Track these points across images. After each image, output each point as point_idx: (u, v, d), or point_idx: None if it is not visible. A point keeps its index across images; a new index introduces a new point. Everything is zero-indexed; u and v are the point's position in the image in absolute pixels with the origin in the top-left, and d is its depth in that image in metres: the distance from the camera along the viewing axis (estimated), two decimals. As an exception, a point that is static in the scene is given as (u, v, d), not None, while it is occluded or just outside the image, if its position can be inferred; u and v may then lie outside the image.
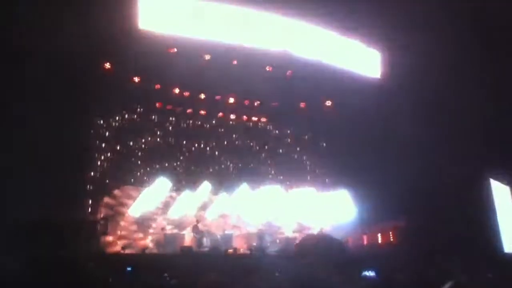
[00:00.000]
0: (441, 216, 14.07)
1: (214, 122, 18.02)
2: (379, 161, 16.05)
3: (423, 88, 15.48)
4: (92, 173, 14.62)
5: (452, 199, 14.32)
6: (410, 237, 14.48)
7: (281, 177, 18.33)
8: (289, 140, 19.34)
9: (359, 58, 16.72)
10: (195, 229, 15.31)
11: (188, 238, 15.47)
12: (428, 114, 15.53)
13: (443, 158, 14.91)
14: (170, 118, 17.22)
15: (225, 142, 18.13)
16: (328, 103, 17.84)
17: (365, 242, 16.38)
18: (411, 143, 15.74)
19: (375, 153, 16.16)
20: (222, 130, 18.20)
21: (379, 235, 15.93)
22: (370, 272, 12.38)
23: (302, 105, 17.88)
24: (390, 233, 15.56)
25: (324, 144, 19.31)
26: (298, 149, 19.36)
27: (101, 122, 15.38)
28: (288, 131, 19.36)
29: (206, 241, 15.19)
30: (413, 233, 14.41)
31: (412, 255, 12.45)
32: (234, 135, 18.35)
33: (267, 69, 15.68)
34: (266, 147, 18.86)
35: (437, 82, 15.32)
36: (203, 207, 16.26)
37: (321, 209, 16.54)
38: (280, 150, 19.09)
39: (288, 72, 15.94)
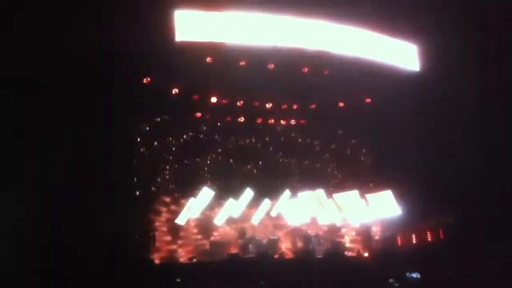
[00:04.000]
0: (492, 212, 13.55)
1: (252, 128, 18.04)
2: (424, 157, 15.67)
3: (465, 80, 14.96)
4: (137, 185, 14.90)
5: (504, 194, 13.73)
6: (459, 234, 14.07)
7: (324, 181, 18.17)
8: (329, 142, 19.11)
9: (396, 53, 16.34)
10: (241, 235, 15.39)
11: (234, 245, 15.58)
12: (473, 107, 15.00)
13: (490, 152, 14.36)
14: (210, 127, 17.36)
15: (265, 148, 18.13)
16: (368, 100, 17.53)
17: (414, 240, 16.01)
18: (456, 137, 15.28)
19: (420, 148, 15.77)
20: (262, 136, 18.19)
21: (428, 233, 15.56)
22: (414, 273, 12.18)
23: (341, 104, 17.63)
24: (440, 230, 15.18)
25: (366, 144, 18.99)
26: (339, 150, 19.12)
27: (142, 134, 15.67)
28: (328, 133, 19.14)
29: (252, 247, 15.26)
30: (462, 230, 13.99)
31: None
32: (273, 141, 18.33)
33: (304, 71, 15.55)
34: (306, 151, 18.72)
35: (478, 73, 14.77)
36: (248, 214, 16.34)
37: (365, 210, 16.29)
38: (322, 154, 18.90)
39: (325, 72, 15.73)
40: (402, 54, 16.49)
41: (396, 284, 11.93)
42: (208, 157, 17.02)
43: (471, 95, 15.05)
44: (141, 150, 15.46)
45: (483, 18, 14.64)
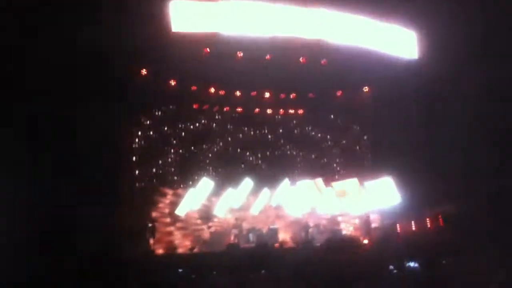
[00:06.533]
0: (491, 202, 13.51)
1: (251, 118, 18.04)
2: (423, 145, 15.64)
3: (464, 68, 14.87)
4: (136, 177, 14.93)
5: (501, 183, 13.70)
6: (458, 222, 14.06)
7: (323, 169, 18.20)
8: (328, 130, 19.11)
9: (395, 40, 16.23)
10: (236, 225, 15.50)
11: (234, 235, 15.64)
12: (472, 95, 14.91)
13: (490, 140, 14.32)
14: (208, 118, 17.38)
15: (263, 138, 18.14)
16: (366, 89, 17.49)
17: (414, 228, 16.03)
18: (455, 125, 15.23)
19: (418, 137, 15.73)
20: (260, 126, 18.19)
21: (428, 221, 15.59)
22: (413, 263, 12.18)
23: (339, 93, 17.60)
24: (439, 218, 15.20)
25: (365, 132, 19.00)
26: (338, 139, 19.13)
27: (140, 126, 15.66)
28: (327, 122, 19.12)
29: (252, 237, 15.32)
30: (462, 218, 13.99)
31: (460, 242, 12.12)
32: (271, 130, 18.33)
33: (301, 60, 15.50)
34: (305, 140, 18.74)
35: (477, 62, 14.67)
36: (247, 204, 16.37)
37: (365, 198, 16.29)
38: (320, 142, 18.92)
39: (323, 61, 15.69)
40: (400, 42, 16.37)
41: (395, 271, 11.95)
42: (207, 148, 17.05)
43: (470, 83, 14.97)
44: (139, 141, 15.45)
45: (482, 5, 14.50)
